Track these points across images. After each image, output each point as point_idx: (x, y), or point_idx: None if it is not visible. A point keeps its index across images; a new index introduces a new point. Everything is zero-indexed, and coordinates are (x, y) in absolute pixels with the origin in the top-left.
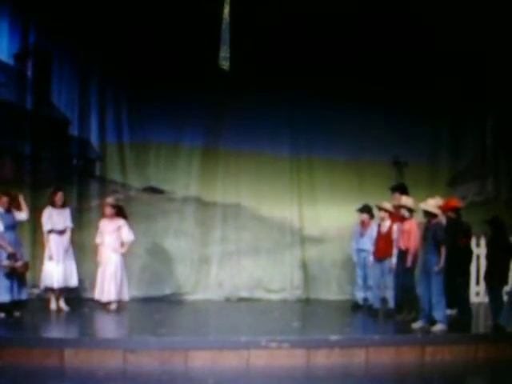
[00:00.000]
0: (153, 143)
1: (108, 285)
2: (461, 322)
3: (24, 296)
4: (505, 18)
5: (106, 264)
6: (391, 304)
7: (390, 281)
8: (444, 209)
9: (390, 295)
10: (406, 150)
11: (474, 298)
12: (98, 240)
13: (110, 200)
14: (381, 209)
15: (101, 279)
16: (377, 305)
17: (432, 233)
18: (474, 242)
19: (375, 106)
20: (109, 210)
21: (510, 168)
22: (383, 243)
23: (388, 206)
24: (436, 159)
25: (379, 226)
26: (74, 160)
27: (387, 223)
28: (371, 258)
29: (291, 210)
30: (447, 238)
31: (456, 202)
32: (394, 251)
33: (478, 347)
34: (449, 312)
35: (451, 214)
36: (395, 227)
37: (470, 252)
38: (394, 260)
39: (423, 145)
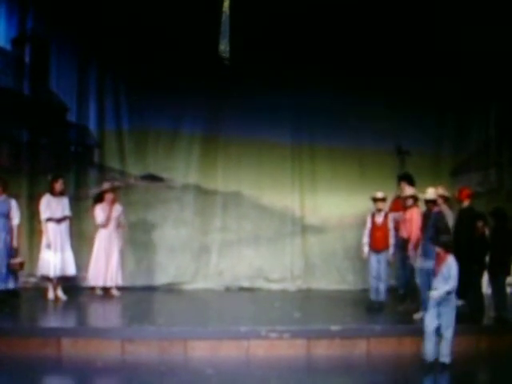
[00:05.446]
0: (152, 130)
1: (112, 270)
2: (466, 313)
3: (12, 285)
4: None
5: (109, 250)
6: (381, 297)
7: (384, 273)
8: (459, 197)
9: (382, 287)
10: (408, 139)
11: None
12: (102, 220)
13: (107, 185)
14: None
15: (102, 265)
16: (373, 297)
17: (432, 221)
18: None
19: (378, 94)
20: (111, 196)
21: None
22: (380, 234)
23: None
24: (439, 148)
25: (373, 216)
26: (72, 147)
27: (382, 213)
28: (366, 250)
29: (292, 199)
30: (461, 225)
31: (469, 190)
32: (392, 241)
33: (481, 338)
34: (460, 303)
35: (466, 202)
36: (391, 217)
37: (486, 241)
38: (391, 251)
39: (426, 134)
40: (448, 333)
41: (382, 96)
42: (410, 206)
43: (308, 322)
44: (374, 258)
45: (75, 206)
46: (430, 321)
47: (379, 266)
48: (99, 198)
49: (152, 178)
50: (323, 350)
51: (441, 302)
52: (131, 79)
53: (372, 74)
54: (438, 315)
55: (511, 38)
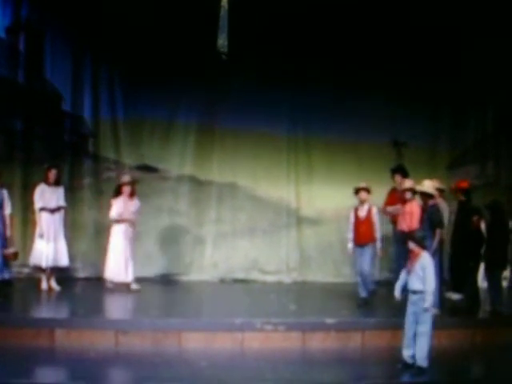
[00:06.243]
0: (147, 120)
1: (128, 265)
2: (461, 307)
3: (7, 275)
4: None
5: (126, 244)
6: (365, 293)
7: (368, 268)
8: (454, 190)
9: (366, 283)
10: (405, 131)
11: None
12: (116, 216)
13: (126, 178)
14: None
15: (120, 259)
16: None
17: (428, 214)
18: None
19: (375, 87)
20: (129, 189)
21: (511, 152)
22: (363, 229)
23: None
24: (436, 141)
25: (356, 210)
26: (67, 137)
27: (366, 207)
28: (350, 246)
29: (288, 191)
30: (457, 219)
31: (465, 183)
32: (378, 235)
33: (476, 332)
34: (457, 297)
35: (461, 196)
36: (374, 210)
37: (482, 236)
38: (378, 245)
39: (423, 126)
40: (424, 334)
41: (379, 89)
42: (410, 199)
43: (303, 315)
44: (357, 253)
45: (69, 195)
46: (409, 326)
47: (362, 260)
48: (117, 192)
49: (147, 169)
50: (318, 342)
51: (417, 303)
52: (126, 68)
53: (369, 68)
54: (414, 316)
55: (508, 34)
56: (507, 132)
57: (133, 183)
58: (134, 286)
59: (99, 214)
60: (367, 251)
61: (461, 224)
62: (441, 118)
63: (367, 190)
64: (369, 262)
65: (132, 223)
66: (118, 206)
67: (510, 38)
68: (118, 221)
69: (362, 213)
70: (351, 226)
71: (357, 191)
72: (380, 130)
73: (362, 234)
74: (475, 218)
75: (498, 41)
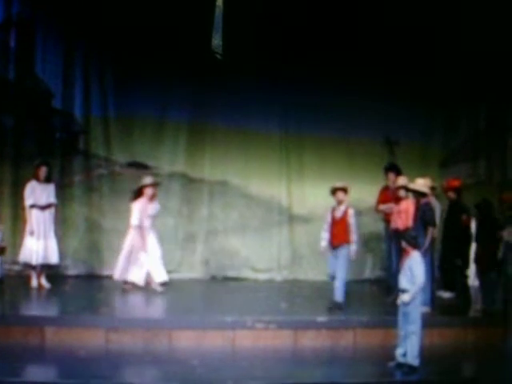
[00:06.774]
0: (138, 117)
1: (152, 269)
2: (452, 306)
3: None
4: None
5: (150, 249)
6: (338, 297)
7: (341, 271)
8: (445, 189)
9: (338, 286)
10: (397, 129)
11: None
12: (137, 222)
13: (149, 180)
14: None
15: (142, 263)
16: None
17: (421, 213)
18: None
19: (367, 84)
20: (152, 191)
21: (503, 151)
22: (337, 230)
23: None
24: (428, 139)
25: (333, 210)
26: (57, 133)
27: (342, 208)
28: (323, 245)
29: (279, 188)
30: (447, 218)
31: (457, 182)
32: (354, 238)
33: (467, 331)
34: (448, 295)
35: (452, 195)
36: (351, 212)
37: (470, 234)
38: (353, 247)
39: (415, 124)
40: (414, 333)
41: (371, 87)
42: (405, 197)
43: (294, 313)
44: (332, 256)
45: (60, 192)
46: (401, 325)
47: (335, 262)
48: (138, 193)
49: (138, 166)
50: (309, 340)
51: (408, 303)
52: (118, 66)
53: (361, 66)
54: (405, 316)
55: (502, 32)
56: (499, 130)
57: (155, 185)
58: (158, 288)
59: (90, 211)
60: (341, 253)
61: (450, 223)
62: (433, 116)
63: (344, 190)
64: (343, 266)
65: (152, 226)
66: (140, 211)
67: (501, 36)
68: (137, 228)
69: (338, 213)
70: (326, 226)
71: (333, 191)
72: (372, 129)
73: (336, 234)
74: (464, 217)
75: (490, 38)
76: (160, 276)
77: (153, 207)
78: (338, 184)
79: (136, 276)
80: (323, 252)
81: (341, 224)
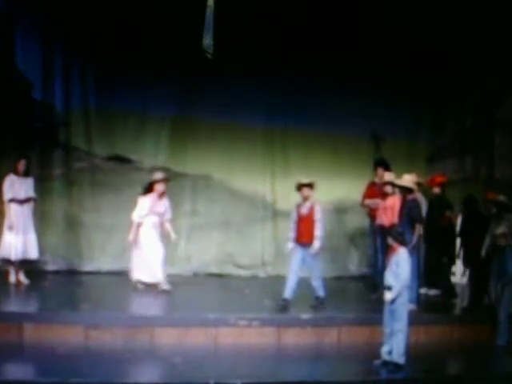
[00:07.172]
0: (120, 110)
1: (158, 267)
2: (438, 302)
3: None
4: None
5: (153, 246)
6: (321, 292)
7: (317, 269)
8: (429, 184)
9: (317, 285)
10: (383, 124)
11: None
12: (138, 219)
13: (160, 175)
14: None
15: (149, 261)
16: (285, 294)
17: (407, 209)
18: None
19: (353, 79)
20: (162, 187)
21: (490, 146)
22: (304, 227)
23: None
24: (415, 135)
25: (299, 206)
26: (37, 126)
27: (308, 204)
28: (290, 245)
29: (263, 184)
30: (430, 214)
31: (442, 178)
32: (318, 234)
33: (453, 329)
34: (434, 292)
35: (437, 190)
36: (318, 208)
37: (454, 231)
38: (317, 244)
39: (401, 120)
40: (400, 330)
41: (358, 81)
42: (392, 193)
43: (278, 310)
44: (298, 253)
45: (39, 186)
46: (386, 323)
47: (306, 261)
48: (148, 189)
49: (119, 159)
50: (294, 338)
51: (394, 300)
52: (99, 57)
53: (348, 62)
54: (391, 313)
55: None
56: (486, 128)
57: (166, 180)
58: (165, 287)
59: (70, 205)
60: (310, 253)
61: (434, 218)
62: (420, 111)
63: (310, 186)
64: (317, 265)
65: (160, 224)
66: (144, 207)
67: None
68: (139, 225)
69: (304, 210)
70: (292, 225)
71: (299, 187)
72: (358, 123)
73: (303, 232)
74: (448, 213)
75: (478, 35)
76: (149, 277)
77: (162, 204)
78: (304, 180)
79: (145, 274)
80: (290, 254)
81: (308, 221)
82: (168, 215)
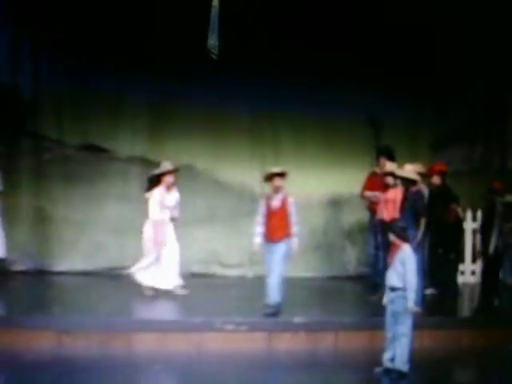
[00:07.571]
0: (93, 95)
1: (175, 270)
2: (444, 304)
3: None
4: None
5: (168, 246)
6: (274, 297)
7: (278, 268)
8: (428, 173)
9: (272, 286)
10: (382, 109)
11: (469, 278)
12: (158, 216)
13: (169, 166)
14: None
15: (165, 265)
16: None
17: (411, 202)
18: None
19: (350, 62)
20: (171, 179)
21: (503, 133)
22: (275, 222)
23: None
24: (417, 120)
25: (268, 198)
26: (2, 112)
27: (280, 196)
28: (257, 241)
29: (251, 175)
30: (432, 207)
31: (442, 166)
32: (295, 229)
33: (462, 333)
34: (429, 291)
35: (436, 180)
36: (291, 200)
37: (462, 225)
38: (295, 241)
39: (403, 104)
40: (404, 335)
41: (354, 60)
42: (393, 185)
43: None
44: (267, 251)
45: (6, 178)
46: (388, 327)
47: (272, 260)
48: (156, 181)
49: (93, 149)
50: (285, 344)
51: (395, 301)
52: (70, 38)
53: (345, 42)
54: (393, 316)
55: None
56: (497, 111)
57: (176, 172)
58: (180, 291)
59: (39, 199)
60: (280, 248)
61: (437, 212)
62: (423, 92)
63: (282, 176)
64: (279, 262)
65: (172, 219)
66: (158, 202)
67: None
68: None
69: (276, 202)
70: (260, 219)
71: (269, 177)
72: (354, 108)
73: (274, 228)
74: (453, 206)
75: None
76: (162, 283)
77: (172, 197)
78: (275, 169)
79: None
80: (256, 251)
81: (279, 215)
82: (176, 212)
